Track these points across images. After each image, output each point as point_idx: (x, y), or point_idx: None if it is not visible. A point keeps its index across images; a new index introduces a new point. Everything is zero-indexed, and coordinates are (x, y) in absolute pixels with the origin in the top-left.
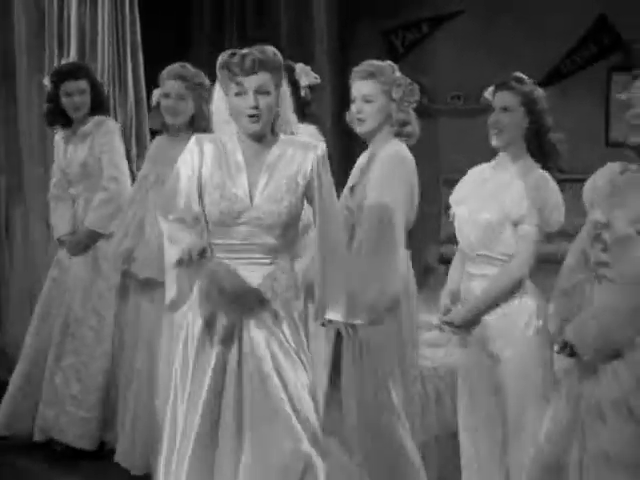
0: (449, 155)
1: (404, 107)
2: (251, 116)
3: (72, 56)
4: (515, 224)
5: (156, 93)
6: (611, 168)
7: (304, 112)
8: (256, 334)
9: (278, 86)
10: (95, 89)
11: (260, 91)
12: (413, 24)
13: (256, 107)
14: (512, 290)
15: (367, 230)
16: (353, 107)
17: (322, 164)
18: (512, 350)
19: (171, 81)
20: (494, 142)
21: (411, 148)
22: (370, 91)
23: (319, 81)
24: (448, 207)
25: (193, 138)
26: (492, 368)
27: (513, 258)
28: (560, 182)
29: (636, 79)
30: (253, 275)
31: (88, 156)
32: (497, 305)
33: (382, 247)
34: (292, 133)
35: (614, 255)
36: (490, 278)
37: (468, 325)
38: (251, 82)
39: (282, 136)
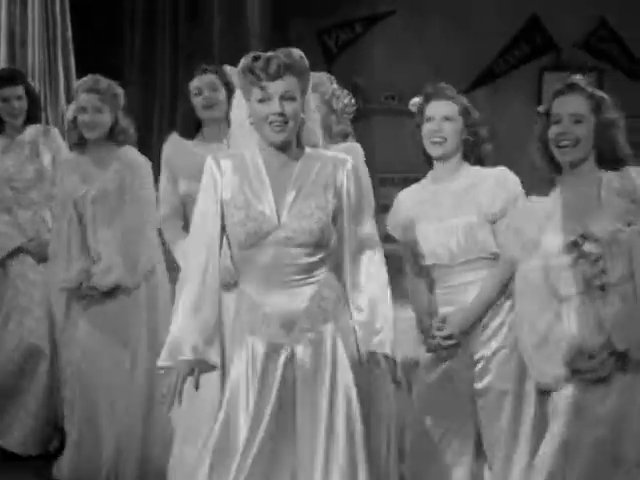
0: (384, 155)
1: (343, 118)
2: (276, 124)
3: (2, 57)
4: (493, 221)
5: (71, 108)
6: (531, 201)
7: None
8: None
9: (304, 92)
10: (31, 95)
11: (286, 97)
12: (346, 24)
13: (282, 114)
14: (504, 289)
15: None
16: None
17: (353, 180)
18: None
19: (85, 95)
20: (436, 151)
21: None
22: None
23: None
24: (386, 206)
25: (209, 160)
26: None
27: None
28: None
29: (558, 94)
30: (296, 300)
31: (37, 164)
32: (490, 307)
33: None
34: (316, 145)
35: (608, 259)
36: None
37: (465, 332)
38: (276, 87)
39: (308, 149)
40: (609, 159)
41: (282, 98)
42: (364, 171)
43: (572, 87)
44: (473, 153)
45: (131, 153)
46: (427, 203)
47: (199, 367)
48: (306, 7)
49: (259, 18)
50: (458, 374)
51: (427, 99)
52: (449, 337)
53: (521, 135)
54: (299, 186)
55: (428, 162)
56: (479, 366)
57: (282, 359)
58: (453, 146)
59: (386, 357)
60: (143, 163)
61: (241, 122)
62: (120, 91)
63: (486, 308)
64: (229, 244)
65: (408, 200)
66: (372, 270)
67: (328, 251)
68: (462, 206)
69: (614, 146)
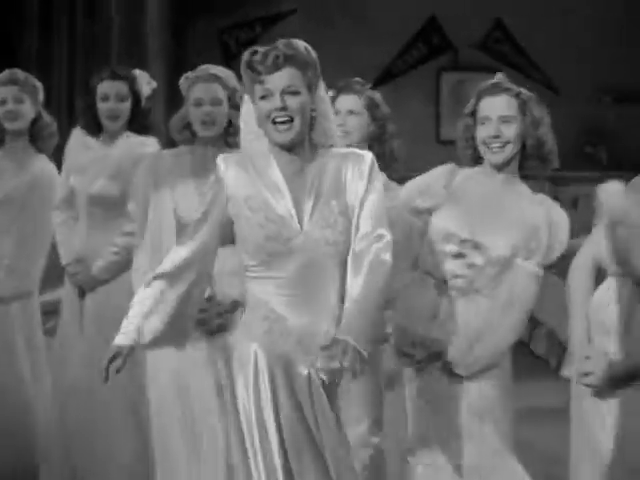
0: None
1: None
2: (279, 122)
3: None
4: None
5: None
6: (448, 170)
7: (143, 123)
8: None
9: (312, 87)
10: None
11: (288, 90)
12: (246, 24)
13: (284, 108)
14: None
15: None
16: (201, 110)
17: (372, 176)
18: None
19: (3, 87)
20: (341, 144)
21: None
22: (218, 95)
23: (156, 85)
24: None
25: (218, 160)
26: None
27: None
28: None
29: (483, 94)
30: (320, 318)
31: None
32: None
33: None
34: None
35: (487, 274)
36: None
37: None
38: (276, 80)
39: (320, 150)
40: (536, 157)
41: (284, 92)
42: None
43: (498, 87)
44: (380, 148)
45: (42, 166)
46: None
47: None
48: (206, 6)
49: (158, 17)
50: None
51: (337, 93)
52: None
53: (419, 134)
54: (317, 191)
55: None
56: None
57: (300, 382)
58: (357, 139)
59: (347, 344)
60: (50, 180)
61: (250, 129)
62: (39, 84)
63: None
64: (242, 250)
65: None
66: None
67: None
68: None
69: (542, 144)
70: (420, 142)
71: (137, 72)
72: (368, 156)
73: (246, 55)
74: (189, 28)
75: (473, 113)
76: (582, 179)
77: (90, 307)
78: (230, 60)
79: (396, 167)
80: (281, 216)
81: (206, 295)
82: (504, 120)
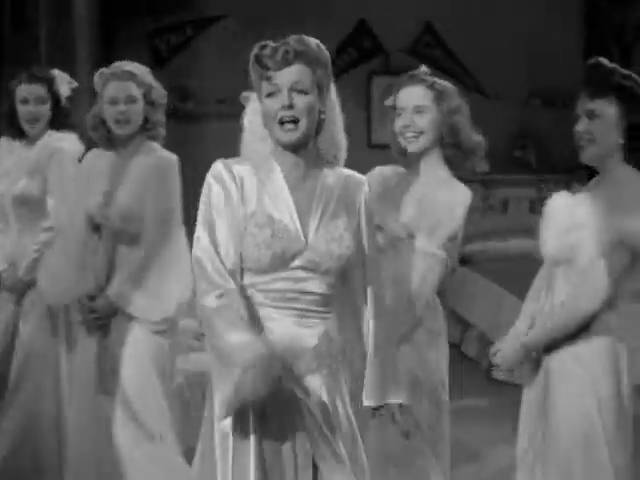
0: (216, 159)
1: (160, 109)
2: (285, 121)
3: None
4: None
5: None
6: (382, 172)
7: (65, 123)
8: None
9: (323, 88)
10: None
11: (296, 88)
12: (177, 27)
13: (290, 106)
14: None
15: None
16: (115, 109)
17: (368, 205)
18: None
19: None
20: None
21: (178, 153)
22: (133, 92)
23: (76, 84)
24: None
25: (218, 166)
26: None
27: None
28: None
29: (401, 86)
30: (308, 333)
31: None
32: None
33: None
34: (335, 158)
35: (389, 256)
36: None
37: None
38: (284, 76)
39: (326, 163)
40: (453, 146)
41: (292, 90)
42: None
43: (414, 78)
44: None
45: None
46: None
47: None
48: (136, 10)
49: (87, 20)
50: None
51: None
52: None
53: (351, 138)
54: (324, 203)
55: None
56: None
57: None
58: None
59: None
60: None
61: (255, 128)
62: None
63: None
64: (242, 264)
65: None
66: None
67: (340, 284)
68: None
69: (457, 132)
70: (351, 146)
71: (56, 72)
72: (366, 181)
73: (255, 49)
74: (118, 32)
75: (394, 106)
76: (512, 182)
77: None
78: (161, 64)
79: None
80: (287, 231)
81: None
82: (418, 110)
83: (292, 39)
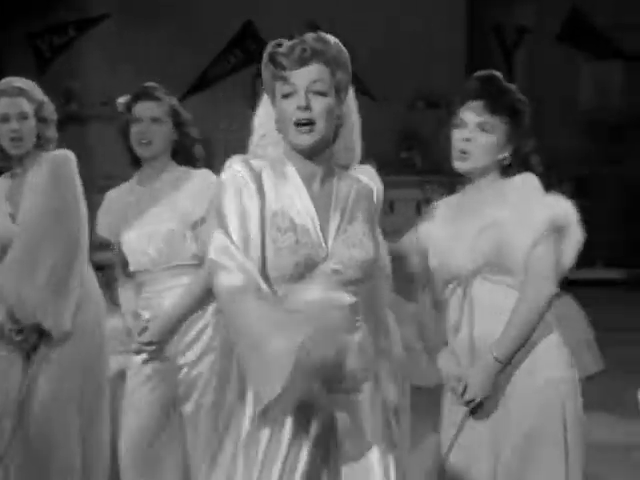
0: (102, 162)
1: (52, 125)
2: (301, 123)
3: None
4: (194, 228)
5: None
6: None
7: None
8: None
9: (341, 91)
10: None
11: (314, 89)
12: (59, 27)
13: (307, 108)
14: (208, 294)
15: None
16: (7, 127)
17: (379, 211)
18: None
19: None
20: (144, 153)
21: None
22: (24, 109)
23: None
24: None
25: (238, 164)
26: None
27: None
28: None
29: None
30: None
31: None
32: (192, 311)
33: None
34: (348, 166)
35: None
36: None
37: (166, 337)
38: (301, 76)
39: (339, 168)
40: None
41: (309, 91)
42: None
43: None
44: (184, 154)
45: None
46: (132, 207)
47: None
48: (17, 10)
49: None
50: (163, 378)
51: (135, 100)
52: (149, 343)
53: (237, 139)
54: (342, 209)
55: (135, 163)
56: (183, 371)
57: (317, 426)
58: (161, 147)
59: None
60: None
61: (266, 132)
62: None
63: (186, 312)
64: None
65: (117, 201)
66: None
67: (364, 291)
68: (163, 212)
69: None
70: (235, 148)
71: None
72: (376, 186)
73: (269, 47)
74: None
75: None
76: (398, 183)
77: None
78: (44, 65)
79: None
80: (311, 238)
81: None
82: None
83: (310, 37)
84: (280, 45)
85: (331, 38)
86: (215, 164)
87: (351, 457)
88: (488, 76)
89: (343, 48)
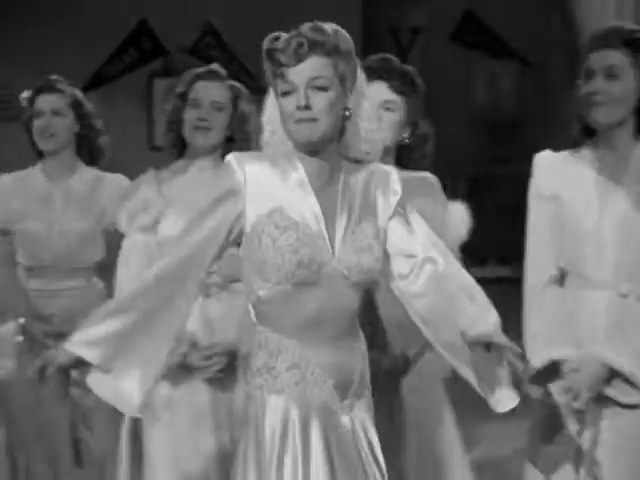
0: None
1: None
2: (301, 120)
3: None
4: (104, 233)
5: None
6: None
7: None
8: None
9: (346, 81)
10: None
11: (314, 85)
12: None
13: (307, 107)
14: None
15: None
16: None
17: (405, 202)
18: None
19: None
20: (47, 146)
21: None
22: None
23: None
24: None
25: (230, 159)
26: None
27: None
28: None
29: (197, 79)
30: (350, 357)
31: None
32: None
33: None
34: (367, 154)
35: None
36: None
37: None
38: (299, 73)
39: (350, 162)
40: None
41: (308, 87)
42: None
43: (215, 74)
44: (88, 147)
45: None
46: (39, 200)
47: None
48: None
49: None
50: None
51: (37, 93)
52: None
53: (132, 139)
54: (349, 207)
55: (39, 156)
56: None
57: (342, 432)
58: (64, 140)
59: None
60: None
61: (275, 128)
62: None
63: None
64: (257, 278)
65: (14, 189)
66: None
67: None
68: (78, 213)
69: (248, 140)
70: (133, 148)
71: None
72: (396, 173)
73: (266, 43)
74: None
75: (184, 95)
76: None
77: None
78: None
79: (105, 164)
80: (314, 237)
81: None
82: (216, 107)
83: (306, 28)
84: (277, 39)
85: (330, 26)
86: (119, 169)
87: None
88: (384, 58)
89: (345, 35)
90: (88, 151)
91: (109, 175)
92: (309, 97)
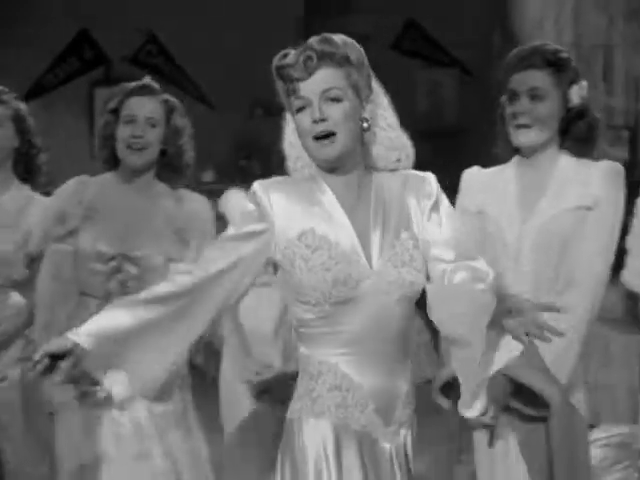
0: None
1: None
2: (320, 137)
3: None
4: (26, 256)
5: None
6: None
7: None
8: None
9: (361, 89)
10: None
11: (328, 97)
12: None
13: (323, 119)
14: None
15: None
16: None
17: (440, 206)
18: None
19: None
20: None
21: None
22: None
23: None
24: None
25: (257, 187)
26: None
27: None
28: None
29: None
30: (396, 379)
31: None
32: None
33: None
34: (399, 161)
35: (148, 282)
36: None
37: None
38: (311, 87)
39: (380, 171)
40: (173, 167)
41: (322, 100)
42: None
43: (147, 89)
44: (25, 164)
45: None
46: None
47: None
48: None
49: None
50: None
51: None
52: None
53: (72, 149)
54: (383, 220)
55: None
56: None
57: (381, 460)
58: (2, 154)
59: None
60: None
61: (298, 153)
62: None
63: None
64: (295, 301)
65: None
66: None
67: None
68: (7, 234)
69: (181, 154)
70: (73, 158)
71: None
72: (431, 177)
73: (275, 60)
74: None
75: (116, 111)
76: None
77: None
78: None
79: (41, 181)
80: (347, 253)
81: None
82: (149, 122)
83: (313, 40)
84: (285, 56)
85: (338, 37)
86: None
87: None
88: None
89: (354, 45)
90: (24, 168)
91: (38, 198)
92: (323, 109)
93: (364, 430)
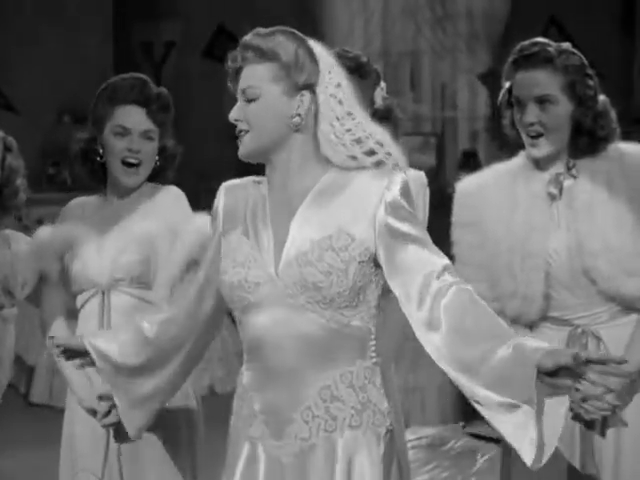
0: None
1: None
2: (237, 136)
3: None
4: None
5: None
6: None
7: None
8: None
9: (295, 79)
10: None
11: (248, 97)
12: None
13: (237, 119)
14: None
15: None
16: None
17: (398, 203)
18: None
19: None
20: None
21: None
22: None
23: None
24: None
25: (220, 189)
26: None
27: None
28: None
29: None
30: (297, 394)
31: None
32: None
33: None
34: (354, 158)
35: None
36: None
37: None
38: (237, 85)
39: (334, 171)
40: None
41: (243, 97)
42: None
43: None
44: None
45: None
46: None
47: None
48: None
49: None
50: None
51: None
52: None
53: None
54: (309, 218)
55: None
56: None
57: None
58: None
59: None
60: None
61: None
62: None
63: None
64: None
65: None
66: None
67: (365, 322)
68: None
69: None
70: None
71: None
72: (400, 179)
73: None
74: None
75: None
76: (46, 200)
77: None
78: None
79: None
80: (246, 256)
81: None
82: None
83: (242, 40)
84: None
85: (262, 30)
86: None
87: None
88: (143, 81)
89: (288, 37)
90: None
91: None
92: (238, 111)
93: (252, 441)
